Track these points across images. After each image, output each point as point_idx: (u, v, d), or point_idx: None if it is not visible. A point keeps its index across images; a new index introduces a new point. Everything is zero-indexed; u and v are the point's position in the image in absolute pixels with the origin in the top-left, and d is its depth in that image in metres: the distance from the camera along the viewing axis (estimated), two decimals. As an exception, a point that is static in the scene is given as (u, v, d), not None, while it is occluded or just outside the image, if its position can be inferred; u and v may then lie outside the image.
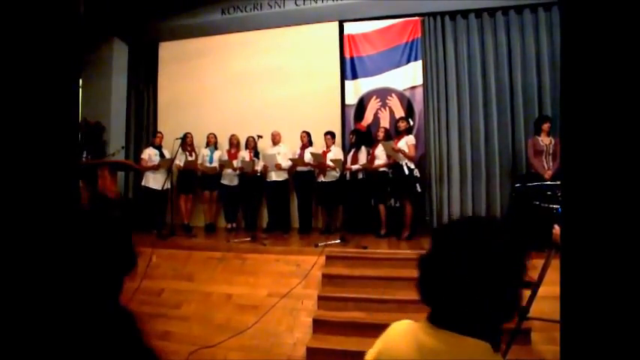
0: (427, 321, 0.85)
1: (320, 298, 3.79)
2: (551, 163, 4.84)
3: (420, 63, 6.14)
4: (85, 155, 6.24)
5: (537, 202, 4.16)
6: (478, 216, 0.83)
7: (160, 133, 6.44)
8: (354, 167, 5.67)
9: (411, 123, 5.70)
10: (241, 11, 6.57)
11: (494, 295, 0.76)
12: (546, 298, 2.39)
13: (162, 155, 6.17)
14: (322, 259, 4.27)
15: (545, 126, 4.98)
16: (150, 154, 6.23)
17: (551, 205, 3.92)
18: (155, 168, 6.09)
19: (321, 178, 5.84)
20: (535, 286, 2.16)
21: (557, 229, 2.03)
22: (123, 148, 6.81)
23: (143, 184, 6.22)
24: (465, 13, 6.12)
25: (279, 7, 6.46)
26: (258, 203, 6.39)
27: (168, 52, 7.24)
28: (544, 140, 4.94)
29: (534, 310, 2.28)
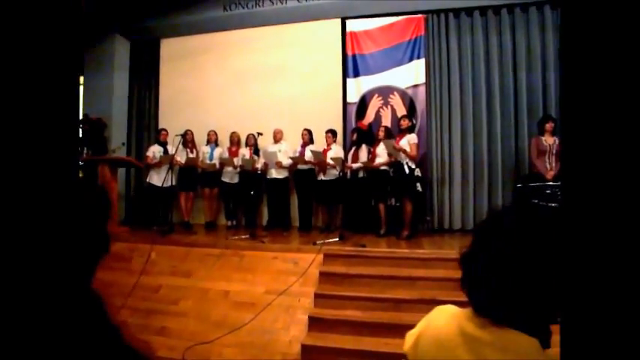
0: (473, 310, 0.84)
1: (317, 296, 3.77)
2: (554, 164, 4.77)
3: (422, 61, 6.09)
4: (86, 151, 6.26)
5: (536, 201, 4.12)
6: (520, 207, 0.84)
7: (165, 130, 6.45)
8: (355, 166, 5.64)
9: (414, 122, 5.65)
10: (243, 8, 6.54)
11: (535, 289, 0.76)
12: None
13: (166, 152, 6.18)
14: (320, 257, 4.24)
15: (548, 126, 4.92)
16: (154, 151, 6.25)
17: (550, 204, 3.88)
18: (157, 165, 6.09)
19: (322, 177, 5.82)
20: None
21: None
22: (124, 144, 6.82)
23: (147, 180, 6.25)
24: (469, 11, 6.07)
25: (281, 3, 6.42)
26: (259, 201, 6.37)
27: (170, 48, 7.26)
28: (548, 140, 4.88)
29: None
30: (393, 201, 5.38)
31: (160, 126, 6.87)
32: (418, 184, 5.10)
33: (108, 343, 0.82)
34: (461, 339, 0.82)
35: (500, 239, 0.80)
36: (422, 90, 6.07)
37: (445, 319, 0.90)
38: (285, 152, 6.06)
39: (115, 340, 0.84)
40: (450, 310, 0.92)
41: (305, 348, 3.26)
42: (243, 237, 5.10)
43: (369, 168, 5.48)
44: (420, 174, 5.16)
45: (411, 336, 0.96)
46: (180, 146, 5.94)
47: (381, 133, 5.40)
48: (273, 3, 6.45)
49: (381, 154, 5.37)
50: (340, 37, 6.49)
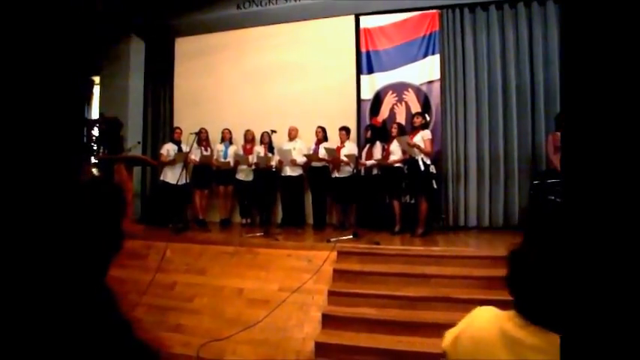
0: (515, 312, 0.84)
1: (330, 294, 3.76)
2: (572, 160, 4.66)
3: (437, 57, 6.02)
4: (102, 150, 6.35)
5: (552, 197, 4.04)
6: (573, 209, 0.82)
7: (179, 128, 6.49)
8: (369, 163, 5.61)
9: (428, 118, 5.58)
10: (257, 5, 6.56)
11: None
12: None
13: (180, 150, 6.22)
14: (334, 254, 4.23)
15: (565, 121, 4.81)
16: (168, 149, 6.30)
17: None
18: (171, 163, 6.14)
19: (336, 174, 5.80)
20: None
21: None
22: (139, 143, 6.90)
23: (162, 178, 6.30)
24: (484, 5, 5.99)
25: (295, 1, 6.42)
26: (273, 198, 6.38)
27: (185, 47, 7.31)
28: (565, 136, 4.77)
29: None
30: (407, 198, 5.34)
31: (175, 124, 6.93)
32: (433, 181, 5.05)
33: (119, 337, 0.83)
34: (502, 340, 0.82)
35: (551, 239, 0.80)
36: (437, 86, 6.00)
37: (486, 319, 0.91)
38: (299, 150, 6.07)
39: (126, 334, 0.85)
40: (491, 311, 0.93)
41: (319, 345, 3.25)
42: (258, 234, 5.12)
43: (384, 165, 5.44)
44: (435, 171, 5.11)
45: (450, 334, 0.97)
46: (195, 144, 5.97)
47: (395, 130, 5.36)
48: (286, 0, 6.46)
49: (395, 151, 5.33)
50: (354, 33, 6.44)
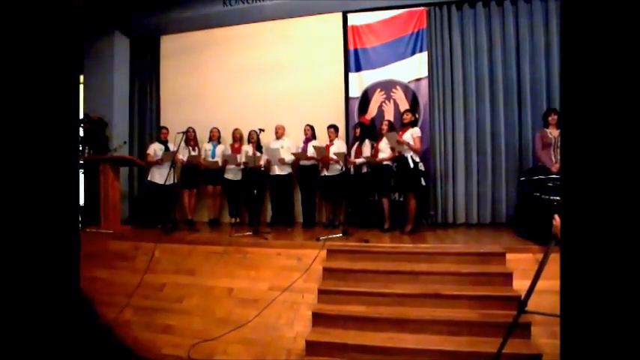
0: None
1: (320, 292, 3.75)
2: (558, 157, 4.73)
3: (425, 54, 6.04)
4: (87, 151, 6.25)
5: (538, 194, 4.08)
6: None
7: (165, 128, 6.42)
8: (358, 161, 5.61)
9: (416, 116, 5.60)
10: (243, 3, 6.51)
11: None
12: (546, 292, 2.33)
13: (167, 150, 6.14)
14: (324, 252, 4.23)
15: (551, 118, 4.88)
16: (155, 149, 6.21)
17: (551, 197, 3.85)
18: (158, 163, 6.06)
19: (325, 172, 5.79)
20: (534, 279, 2.09)
21: (557, 220, 1.96)
22: (125, 143, 6.81)
23: (149, 179, 6.22)
24: (472, 3, 6.02)
25: (282, -2, 6.40)
26: (262, 197, 6.36)
27: (170, 45, 7.23)
28: (552, 133, 4.84)
29: (535, 304, 2.22)
30: (396, 196, 5.36)
31: (162, 124, 6.86)
32: (422, 179, 5.07)
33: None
34: None
35: None
36: (424, 84, 6.02)
37: None
38: (287, 148, 6.04)
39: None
40: None
41: (309, 344, 3.24)
42: (247, 234, 5.09)
43: (373, 163, 5.45)
44: (423, 168, 5.13)
45: None
46: (182, 144, 5.90)
47: (385, 127, 5.36)
48: (273, -3, 6.43)
49: (384, 149, 5.34)
50: (342, 31, 6.44)
